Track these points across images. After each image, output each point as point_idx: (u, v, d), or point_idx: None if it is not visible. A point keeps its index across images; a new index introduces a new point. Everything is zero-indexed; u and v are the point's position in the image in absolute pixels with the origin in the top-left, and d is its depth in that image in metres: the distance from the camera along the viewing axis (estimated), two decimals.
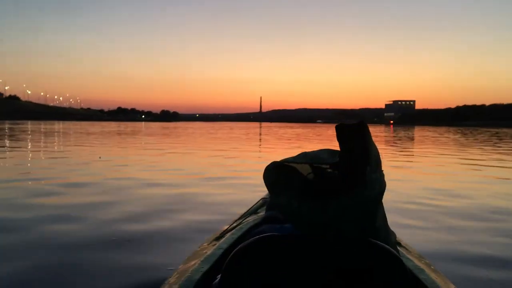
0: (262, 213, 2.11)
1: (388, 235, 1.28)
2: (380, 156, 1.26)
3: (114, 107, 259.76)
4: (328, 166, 1.23)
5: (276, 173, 1.26)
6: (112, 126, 56.23)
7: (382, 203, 1.25)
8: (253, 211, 2.26)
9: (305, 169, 1.24)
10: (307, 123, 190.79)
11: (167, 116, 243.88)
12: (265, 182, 1.28)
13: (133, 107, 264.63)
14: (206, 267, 1.49)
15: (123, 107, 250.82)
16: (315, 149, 1.33)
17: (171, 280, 1.49)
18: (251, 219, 2.04)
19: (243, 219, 2.10)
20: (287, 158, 1.28)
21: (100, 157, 11.11)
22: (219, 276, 1.20)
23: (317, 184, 1.21)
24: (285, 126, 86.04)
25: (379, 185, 1.19)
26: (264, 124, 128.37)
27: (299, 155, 1.30)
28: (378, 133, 39.47)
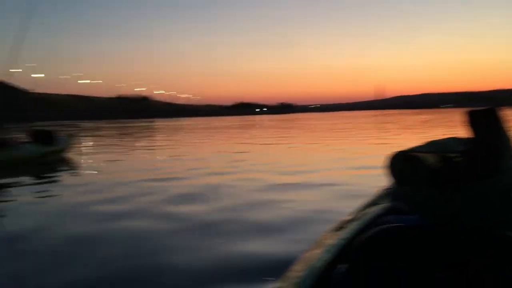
0: (384, 203, 1.99)
1: None
2: None
3: (234, 102, 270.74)
4: (456, 155, 1.19)
5: (401, 162, 1.22)
6: (235, 120, 58.53)
7: None
8: (375, 201, 2.18)
9: (432, 158, 1.20)
10: (431, 108, 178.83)
11: (284, 108, 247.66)
12: (389, 171, 1.24)
13: (251, 101, 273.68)
14: (328, 256, 1.46)
15: (242, 101, 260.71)
16: (443, 137, 1.30)
17: (295, 267, 1.52)
18: (374, 209, 1.94)
19: (365, 209, 2.03)
20: (413, 147, 1.25)
21: None
22: (341, 265, 1.20)
23: (445, 173, 1.16)
24: (409, 112, 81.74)
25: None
26: (385, 111, 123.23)
27: (426, 143, 1.27)
28: None
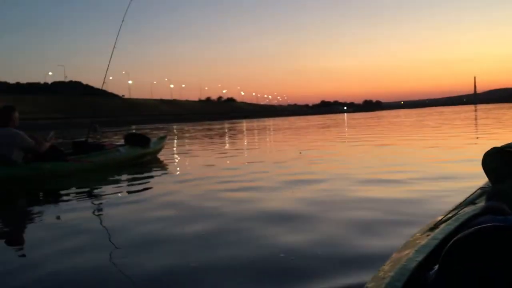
0: (480, 203, 1.97)
1: None
2: None
3: (317, 100, 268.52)
4: None
5: (498, 160, 1.16)
6: (315, 119, 58.09)
7: None
8: (470, 201, 2.11)
9: None
10: None
11: (370, 105, 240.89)
12: (484, 169, 1.18)
13: (335, 99, 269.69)
14: (421, 257, 1.43)
15: (326, 100, 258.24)
16: None
17: (385, 267, 1.47)
18: (469, 209, 1.92)
19: (459, 209, 1.97)
20: (509, 143, 1.18)
21: (300, 152, 11.12)
22: (435, 266, 1.15)
23: None
24: (507, 107, 75.44)
25: None
26: (479, 106, 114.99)
27: None
28: None
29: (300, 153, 11.12)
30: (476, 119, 31.06)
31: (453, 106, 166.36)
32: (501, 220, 1.27)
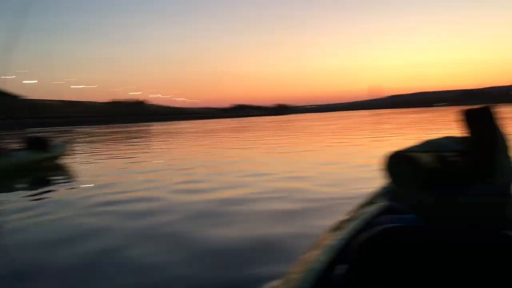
0: (381, 203, 2.05)
1: None
2: (509, 142, 1.17)
3: (230, 104, 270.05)
4: (452, 154, 1.18)
5: (398, 162, 1.21)
6: (231, 122, 58.26)
7: None
8: (372, 200, 2.22)
9: (428, 157, 1.20)
10: (426, 107, 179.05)
11: (281, 109, 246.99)
12: (386, 171, 1.22)
13: (247, 102, 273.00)
14: (327, 258, 1.48)
15: (238, 103, 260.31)
16: (438, 137, 1.28)
17: (293, 269, 1.51)
18: (370, 209, 1.99)
19: (361, 209, 2.06)
20: (409, 147, 1.24)
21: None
22: (340, 266, 1.21)
23: (442, 173, 1.16)
24: (400, 112, 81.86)
25: (510, 172, 1.13)
26: (380, 111, 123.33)
27: (422, 143, 1.25)
28: None
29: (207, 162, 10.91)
30: (374, 123, 33.25)
31: (355, 111, 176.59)
32: (399, 220, 1.33)
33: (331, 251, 1.54)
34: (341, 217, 2.08)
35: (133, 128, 48.04)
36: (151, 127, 50.45)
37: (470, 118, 1.15)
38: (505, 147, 1.14)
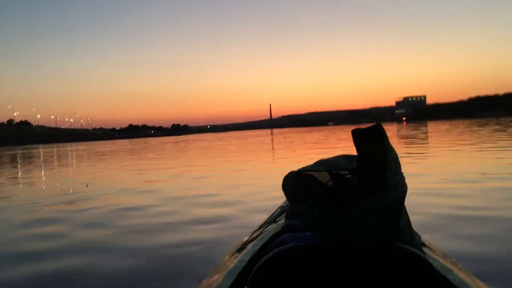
0: (281, 221, 2.08)
1: (412, 237, 1.29)
2: (399, 158, 1.24)
3: (125, 124, 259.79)
4: (346, 172, 1.22)
5: (295, 182, 1.24)
6: (124, 144, 55.91)
7: (404, 206, 1.25)
8: (272, 219, 2.24)
9: (323, 176, 1.25)
10: (318, 126, 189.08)
11: (178, 129, 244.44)
12: (284, 191, 1.25)
13: (144, 123, 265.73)
14: (229, 282, 1.47)
15: (134, 124, 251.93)
16: (332, 156, 1.33)
17: None
18: (271, 228, 2.01)
19: (263, 228, 2.08)
20: (304, 167, 1.27)
21: (87, 185, 10.13)
22: None
23: (337, 191, 1.20)
24: (296, 131, 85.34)
25: (401, 188, 1.18)
26: (275, 130, 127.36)
27: (316, 162, 1.29)
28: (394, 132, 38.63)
29: (87, 185, 10.07)
30: (273, 142, 33.73)
31: (253, 130, 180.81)
32: (299, 237, 1.39)
33: (233, 274, 1.52)
34: (243, 238, 2.08)
35: (11, 152, 43.72)
36: (35, 150, 46.37)
37: (360, 137, 1.19)
38: (395, 163, 1.18)
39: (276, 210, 2.39)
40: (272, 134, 68.96)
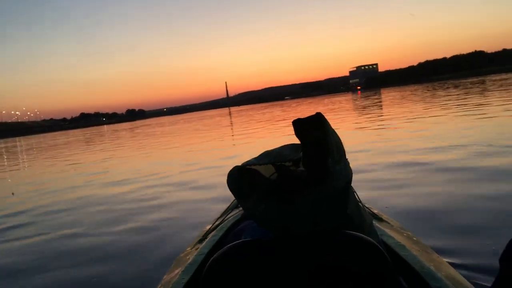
0: (235, 216, 2.07)
1: (362, 221, 1.29)
2: (343, 145, 1.24)
3: (77, 113, 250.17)
4: (290, 163, 1.22)
5: (239, 178, 1.23)
6: (76, 134, 53.29)
7: (351, 190, 1.26)
8: (235, 205, 2.25)
9: (268, 169, 1.24)
10: (276, 101, 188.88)
11: (133, 115, 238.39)
12: (229, 187, 1.24)
13: (97, 111, 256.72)
14: (187, 277, 1.47)
15: (86, 112, 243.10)
16: (277, 146, 1.32)
17: None
18: (233, 215, 2.03)
19: (225, 215, 2.10)
20: (249, 161, 1.26)
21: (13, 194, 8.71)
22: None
23: (282, 183, 1.19)
24: (253, 108, 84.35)
25: (345, 175, 1.17)
26: (232, 108, 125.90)
27: (261, 155, 1.29)
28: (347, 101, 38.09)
29: (12, 194, 8.66)
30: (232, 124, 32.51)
31: (211, 110, 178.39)
32: (249, 233, 1.40)
33: (191, 269, 1.53)
34: (206, 227, 2.08)
35: None
36: None
37: (302, 127, 1.17)
38: (338, 151, 1.18)
39: (233, 202, 2.32)
40: (230, 113, 67.65)
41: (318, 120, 1.16)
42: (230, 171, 1.24)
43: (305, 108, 37.30)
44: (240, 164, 1.25)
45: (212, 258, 1.15)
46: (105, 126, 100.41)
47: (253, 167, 1.23)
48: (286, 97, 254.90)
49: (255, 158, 1.26)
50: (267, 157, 1.25)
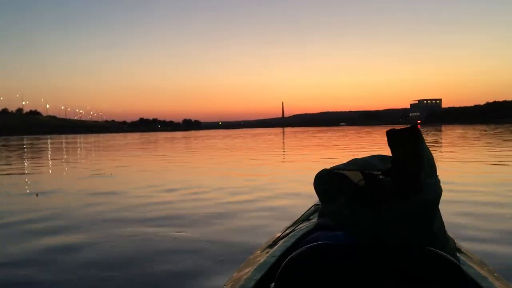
0: (314, 219, 2.08)
1: (446, 242, 1.27)
2: (434, 161, 1.22)
3: (136, 118, 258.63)
4: (379, 173, 1.19)
5: (326, 181, 1.21)
6: (134, 137, 54.33)
7: (438, 209, 1.23)
8: (305, 217, 2.24)
9: (356, 176, 1.21)
10: (330, 126, 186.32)
11: (189, 125, 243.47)
12: (315, 189, 1.24)
13: (155, 117, 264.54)
14: (259, 275, 1.48)
15: (145, 117, 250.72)
16: (366, 156, 1.30)
17: None
18: (304, 226, 2.02)
19: (295, 226, 2.08)
20: (337, 165, 1.25)
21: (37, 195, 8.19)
22: (272, 284, 1.21)
23: (369, 191, 1.16)
24: (308, 130, 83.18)
25: (435, 190, 1.14)
26: (286, 129, 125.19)
27: (349, 161, 1.27)
28: None
29: (37, 195, 8.16)
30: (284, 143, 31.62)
31: (264, 128, 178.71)
32: (330, 237, 1.36)
33: (263, 268, 1.53)
34: (275, 234, 2.08)
35: (19, 142, 42.23)
36: (42, 141, 44.88)
37: (395, 138, 1.16)
38: (430, 165, 1.16)
39: (310, 208, 2.35)
40: (283, 133, 66.79)
41: (413, 133, 1.14)
42: (318, 173, 1.22)
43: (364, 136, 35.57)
44: (327, 168, 1.23)
45: (290, 256, 1.14)
46: (163, 133, 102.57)
47: (341, 171, 1.20)
48: (342, 123, 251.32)
49: (343, 164, 1.24)
50: (355, 164, 1.23)
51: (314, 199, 2.31)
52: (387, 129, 1.16)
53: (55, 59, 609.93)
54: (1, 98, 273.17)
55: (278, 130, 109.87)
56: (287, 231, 1.99)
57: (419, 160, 1.12)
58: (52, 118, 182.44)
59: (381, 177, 1.18)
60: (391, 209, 1.08)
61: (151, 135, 71.91)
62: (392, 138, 1.16)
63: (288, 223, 2.30)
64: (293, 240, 1.80)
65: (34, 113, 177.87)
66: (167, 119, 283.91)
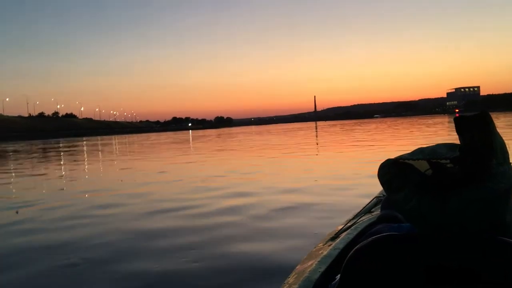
0: (376, 212, 2.03)
1: None
2: (507, 148, 1.17)
3: (170, 117, 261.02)
4: (448, 161, 1.13)
5: (392, 171, 1.18)
6: (168, 137, 54.11)
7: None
8: (367, 210, 2.20)
9: (422, 165, 1.17)
10: (364, 118, 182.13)
11: (222, 122, 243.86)
12: (380, 180, 1.21)
13: (187, 116, 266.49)
14: (323, 268, 1.49)
15: (177, 116, 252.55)
16: (431, 144, 1.26)
17: (290, 280, 1.50)
18: (366, 218, 1.98)
19: (357, 218, 2.05)
20: (402, 155, 1.22)
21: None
22: (337, 276, 1.19)
23: (436, 180, 1.11)
24: (340, 123, 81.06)
25: (507, 178, 1.07)
26: (319, 123, 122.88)
27: (415, 151, 1.23)
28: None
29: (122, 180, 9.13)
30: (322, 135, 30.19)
31: (298, 123, 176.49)
32: (395, 228, 1.34)
33: (327, 261, 1.53)
34: (337, 227, 2.04)
35: (58, 145, 42.66)
36: (77, 143, 45.34)
37: (463, 124, 1.13)
38: (502, 152, 1.12)
39: (372, 200, 2.31)
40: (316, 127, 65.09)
41: (483, 119, 1.09)
42: (383, 163, 1.19)
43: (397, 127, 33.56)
44: (392, 157, 1.19)
45: (355, 248, 1.13)
46: (197, 131, 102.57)
47: (407, 161, 1.16)
48: (376, 115, 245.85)
49: (409, 154, 1.19)
50: (421, 153, 1.18)
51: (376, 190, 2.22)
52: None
53: (88, 62, 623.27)
54: (37, 103, 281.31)
55: (311, 124, 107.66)
56: (348, 224, 1.96)
57: (489, 147, 1.07)
58: (88, 120, 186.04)
59: (449, 165, 1.12)
60: (460, 198, 1.03)
61: (187, 133, 71.44)
62: (460, 124, 1.12)
63: (349, 216, 2.24)
64: (355, 232, 1.77)
65: (69, 116, 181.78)
66: (200, 117, 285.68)
